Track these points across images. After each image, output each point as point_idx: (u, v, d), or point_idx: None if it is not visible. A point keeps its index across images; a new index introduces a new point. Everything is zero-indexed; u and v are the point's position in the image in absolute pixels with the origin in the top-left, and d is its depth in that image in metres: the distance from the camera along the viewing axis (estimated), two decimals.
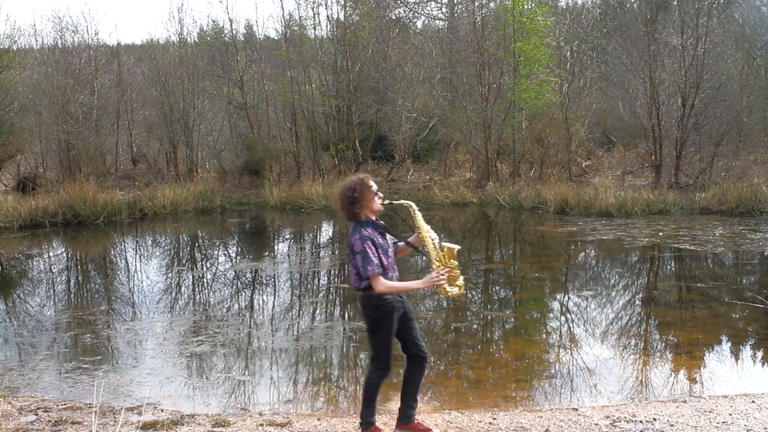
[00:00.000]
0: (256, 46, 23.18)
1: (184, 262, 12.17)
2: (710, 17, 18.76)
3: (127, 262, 12.15)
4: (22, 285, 10.33)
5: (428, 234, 4.10)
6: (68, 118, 18.55)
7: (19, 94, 20.98)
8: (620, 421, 4.56)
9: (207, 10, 31.66)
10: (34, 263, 11.85)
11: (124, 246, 14.03)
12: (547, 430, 4.45)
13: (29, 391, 5.53)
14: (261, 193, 18.99)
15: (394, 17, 25.01)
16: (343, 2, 21.81)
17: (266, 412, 4.99)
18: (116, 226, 15.60)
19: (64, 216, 15.36)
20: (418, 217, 4.15)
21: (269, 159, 20.78)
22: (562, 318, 7.92)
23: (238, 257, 12.39)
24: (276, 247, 13.80)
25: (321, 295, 9.32)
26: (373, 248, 3.92)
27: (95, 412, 4.78)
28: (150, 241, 14.51)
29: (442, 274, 4.00)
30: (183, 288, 9.82)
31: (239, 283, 9.92)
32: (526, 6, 19.37)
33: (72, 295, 9.59)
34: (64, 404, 5.14)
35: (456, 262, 4.09)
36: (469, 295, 8.77)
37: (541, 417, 4.70)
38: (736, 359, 6.28)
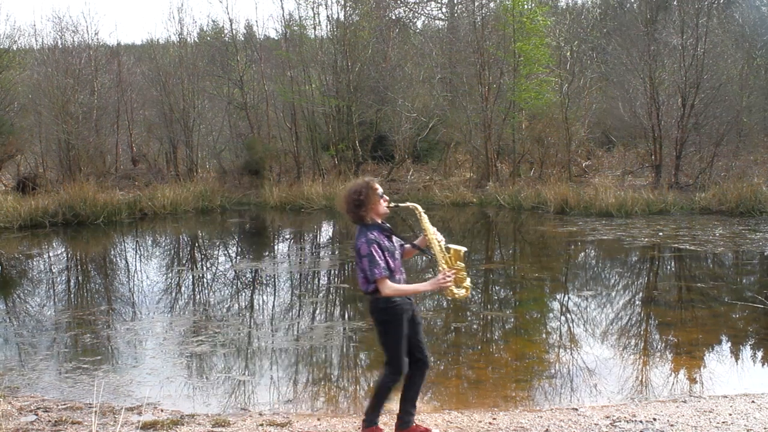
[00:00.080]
0: (256, 46, 23.17)
1: (184, 262, 12.17)
2: (710, 17, 18.76)
3: (127, 262, 12.15)
4: (22, 285, 10.33)
5: (434, 236, 4.10)
6: (68, 118, 18.55)
7: (19, 94, 20.98)
8: (620, 421, 4.56)
9: (207, 10, 31.74)
10: (34, 263, 11.85)
11: (124, 246, 14.03)
12: (547, 430, 4.45)
13: (29, 391, 5.53)
14: (261, 193, 18.99)
15: (394, 17, 25.00)
16: (343, 2, 21.81)
17: (266, 412, 4.99)
18: (116, 226, 15.60)
19: (64, 216, 15.36)
20: (424, 219, 4.14)
21: (269, 159, 20.78)
22: (562, 318, 7.92)
23: (238, 257, 12.39)
24: (276, 247, 13.80)
25: (321, 295, 9.32)
26: (379, 251, 3.92)
27: (95, 412, 4.78)
28: (150, 241, 14.51)
29: (449, 277, 4.00)
30: (183, 288, 9.82)
31: (239, 283, 9.93)
32: (526, 6, 19.37)
33: (72, 295, 9.59)
34: (64, 404, 5.14)
35: (462, 264, 4.09)
36: (470, 295, 8.75)
37: (541, 417, 4.70)
38: (736, 359, 6.28)
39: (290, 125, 21.38)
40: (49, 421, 4.76)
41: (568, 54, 22.91)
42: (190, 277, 10.56)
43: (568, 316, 8.00)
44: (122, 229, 15.49)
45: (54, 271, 11.32)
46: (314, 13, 23.20)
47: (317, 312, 8.26)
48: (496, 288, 9.59)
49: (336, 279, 10.15)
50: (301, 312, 8.28)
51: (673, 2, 21.72)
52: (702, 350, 6.46)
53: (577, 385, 5.57)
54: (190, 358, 6.38)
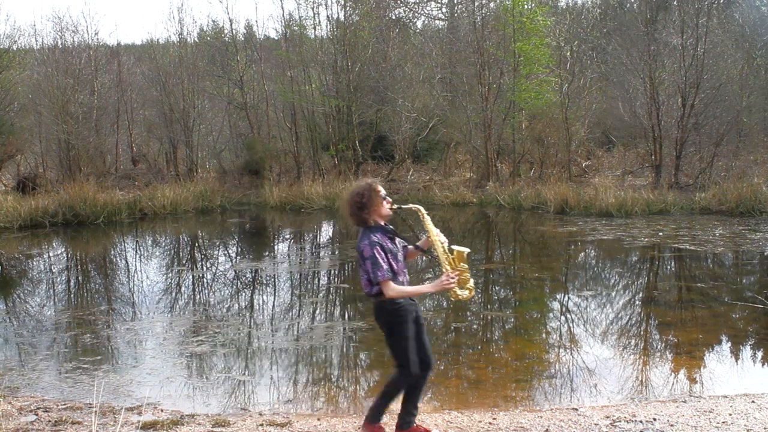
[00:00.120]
0: (256, 46, 23.18)
1: (184, 262, 12.17)
2: (710, 17, 18.76)
3: (127, 262, 12.15)
4: (22, 285, 10.33)
5: (437, 237, 4.10)
6: (68, 118, 18.55)
7: (19, 94, 20.98)
8: (620, 421, 4.56)
9: (207, 10, 31.76)
10: (34, 263, 11.85)
11: (124, 246, 14.03)
12: (547, 430, 4.45)
13: (29, 391, 5.53)
14: (261, 193, 18.99)
15: (394, 17, 25.01)
16: (343, 2, 21.82)
17: (266, 412, 4.99)
18: (116, 226, 15.60)
19: (64, 216, 15.37)
20: (427, 220, 4.14)
21: (269, 159, 20.78)
22: (562, 318, 7.92)
23: (238, 257, 12.39)
24: (276, 247, 13.80)
25: (321, 295, 9.32)
26: (382, 253, 3.92)
27: (95, 412, 4.78)
28: (150, 241, 14.51)
29: (453, 278, 4.00)
30: (183, 288, 9.82)
31: (239, 283, 9.93)
32: (526, 6, 19.37)
33: (72, 295, 9.59)
34: (64, 404, 5.14)
35: (466, 265, 4.08)
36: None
37: (541, 417, 4.70)
38: (736, 359, 6.28)
39: (290, 125, 21.38)
40: (49, 421, 4.76)
41: (568, 54, 22.92)
42: (190, 277, 10.56)
43: (568, 316, 8.00)
44: (122, 229, 15.49)
45: (54, 271, 11.32)
46: (314, 13, 23.27)
47: (317, 312, 8.26)
48: (496, 288, 9.59)
49: (336, 279, 10.15)
50: (301, 312, 8.28)
51: (673, 2, 21.72)
52: (702, 350, 6.46)
53: (577, 385, 5.57)
54: (190, 358, 6.38)
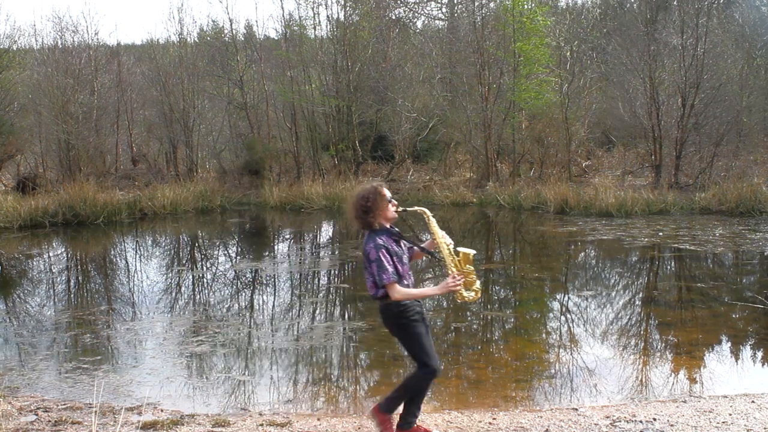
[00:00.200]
0: (256, 46, 23.18)
1: (184, 262, 12.17)
2: (710, 17, 18.76)
3: (127, 262, 12.15)
4: (22, 285, 10.33)
5: (443, 240, 4.10)
6: (68, 118, 18.55)
7: (19, 94, 20.98)
8: (620, 421, 4.56)
9: (207, 10, 31.77)
10: (34, 263, 11.85)
11: (124, 246, 14.03)
12: (547, 430, 4.45)
13: (29, 391, 5.53)
14: (261, 193, 18.99)
15: (394, 17, 25.02)
16: (343, 2, 21.82)
17: (266, 412, 4.99)
18: (116, 226, 15.60)
19: (64, 216, 15.37)
20: (432, 223, 4.14)
21: (269, 159, 20.79)
22: (562, 318, 7.92)
23: (238, 257, 12.39)
24: (276, 247, 13.80)
25: (321, 295, 9.32)
26: (387, 256, 3.91)
27: (95, 412, 4.78)
28: (150, 241, 14.51)
29: (458, 280, 3.99)
30: (183, 288, 9.82)
31: (239, 283, 9.93)
32: (526, 6, 19.37)
33: (72, 295, 9.59)
34: (64, 404, 5.14)
35: (471, 267, 4.08)
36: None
37: (541, 417, 4.70)
38: (736, 359, 6.28)
39: (290, 125, 21.39)
40: (49, 421, 4.76)
41: (568, 54, 22.92)
42: (190, 277, 10.56)
43: (568, 316, 8.00)
44: (122, 229, 15.49)
45: (54, 271, 11.32)
46: (314, 13, 23.27)
47: (317, 312, 8.26)
48: (496, 288, 9.59)
49: (336, 279, 10.15)
50: (301, 312, 8.28)
51: (673, 2, 21.72)
52: (702, 350, 6.46)
53: (577, 385, 5.57)
54: (190, 358, 6.38)
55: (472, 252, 4.08)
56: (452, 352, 6.65)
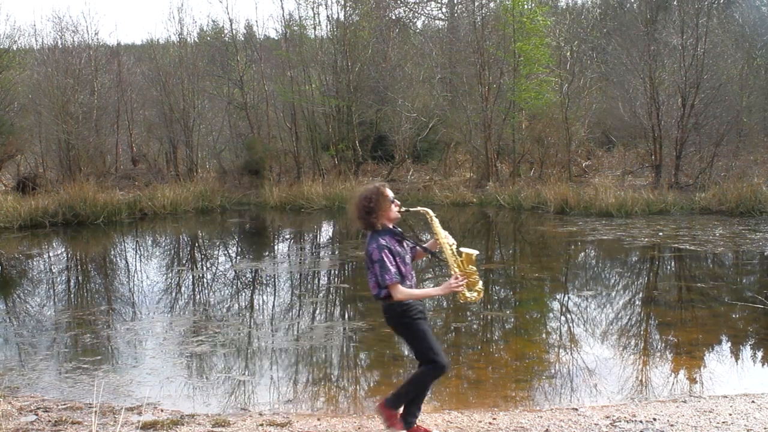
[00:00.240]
0: (256, 46, 23.18)
1: (184, 262, 12.17)
2: (710, 17, 18.77)
3: (127, 262, 12.15)
4: (22, 285, 10.33)
5: (446, 240, 4.10)
6: (68, 118, 18.55)
7: (19, 94, 20.98)
8: (620, 421, 4.56)
9: (207, 10, 31.77)
10: (34, 263, 11.85)
11: (124, 246, 14.03)
12: (547, 430, 4.45)
13: (29, 391, 5.53)
14: (261, 193, 18.99)
15: (394, 17, 25.02)
16: (343, 2, 21.83)
17: (266, 412, 4.99)
18: (116, 226, 15.60)
19: (64, 216, 15.37)
20: (435, 223, 4.14)
21: (269, 159, 20.79)
22: (562, 318, 7.92)
23: (238, 257, 12.39)
24: (276, 247, 13.80)
25: (321, 295, 9.32)
26: (390, 257, 3.92)
27: (95, 412, 4.78)
28: (150, 241, 14.51)
29: (461, 281, 3.99)
30: (183, 288, 9.82)
31: (239, 283, 9.93)
32: (526, 6, 19.37)
33: (72, 295, 9.59)
34: (64, 404, 5.14)
35: (474, 268, 4.08)
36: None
37: (541, 417, 4.70)
38: (736, 359, 6.28)
39: (290, 125, 21.39)
40: (49, 421, 4.76)
41: (568, 54, 22.92)
42: (190, 277, 10.56)
43: (568, 316, 8.00)
44: (122, 229, 15.49)
45: (54, 271, 11.32)
46: (314, 13, 23.28)
47: (317, 312, 8.26)
48: (496, 288, 9.59)
49: (336, 279, 10.15)
50: (301, 312, 8.28)
51: (673, 2, 21.72)
52: (702, 350, 6.46)
53: (577, 385, 5.57)
54: (190, 358, 6.38)
55: (474, 252, 4.08)
56: (452, 352, 6.65)
